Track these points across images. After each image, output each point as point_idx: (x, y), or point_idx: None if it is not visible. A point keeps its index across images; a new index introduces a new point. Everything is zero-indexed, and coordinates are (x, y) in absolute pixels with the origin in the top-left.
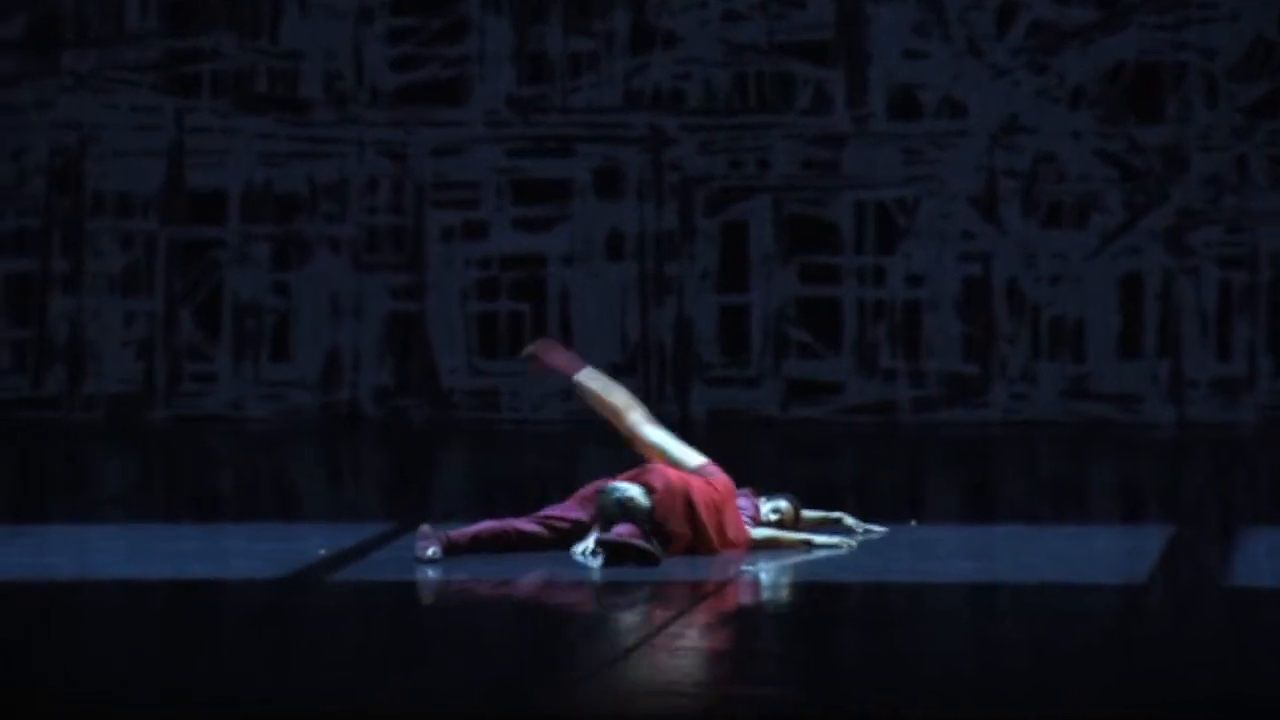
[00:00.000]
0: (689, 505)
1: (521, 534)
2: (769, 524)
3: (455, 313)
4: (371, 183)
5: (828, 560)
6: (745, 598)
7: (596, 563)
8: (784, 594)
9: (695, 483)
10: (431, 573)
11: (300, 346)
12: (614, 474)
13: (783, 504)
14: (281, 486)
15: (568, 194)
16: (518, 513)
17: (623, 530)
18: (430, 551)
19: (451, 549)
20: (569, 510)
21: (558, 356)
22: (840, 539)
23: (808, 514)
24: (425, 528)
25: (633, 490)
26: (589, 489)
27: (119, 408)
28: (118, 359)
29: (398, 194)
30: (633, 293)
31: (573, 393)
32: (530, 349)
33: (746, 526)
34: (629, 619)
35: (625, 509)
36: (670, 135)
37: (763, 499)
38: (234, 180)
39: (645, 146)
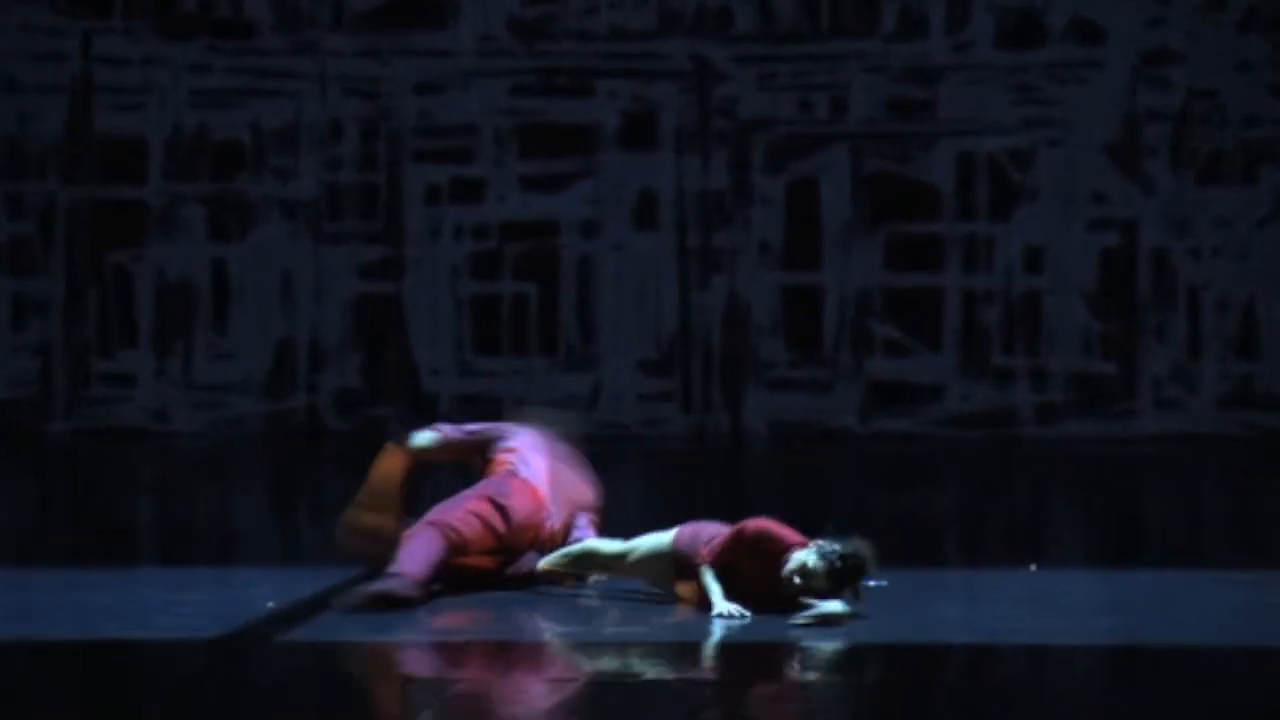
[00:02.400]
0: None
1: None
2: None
3: (442, 296)
4: (335, 128)
5: (923, 616)
6: (821, 663)
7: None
8: (870, 658)
9: None
10: (412, 631)
11: (243, 339)
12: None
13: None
14: (218, 520)
15: (587, 144)
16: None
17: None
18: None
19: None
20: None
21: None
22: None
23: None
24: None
25: None
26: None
27: (7, 418)
28: (5, 356)
29: (368, 143)
30: (670, 270)
31: (597, 400)
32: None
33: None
34: (673, 688)
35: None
36: (719, 68)
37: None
38: (156, 126)
39: (686, 83)
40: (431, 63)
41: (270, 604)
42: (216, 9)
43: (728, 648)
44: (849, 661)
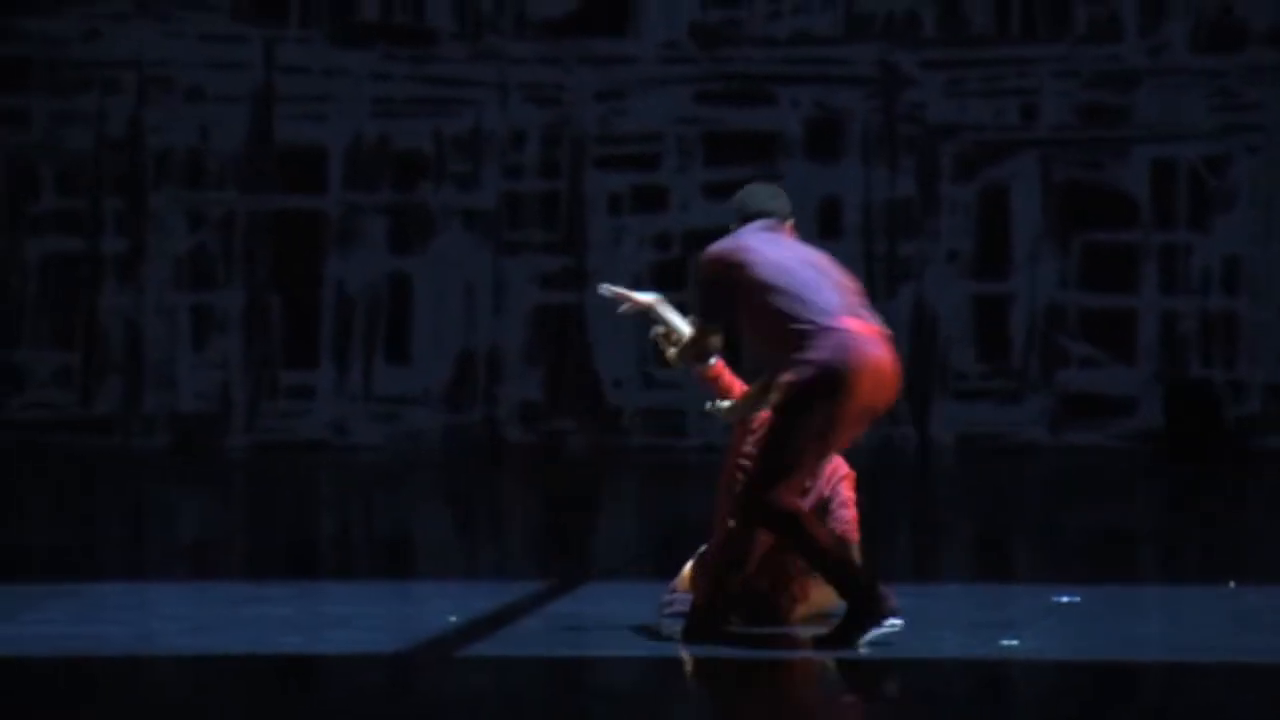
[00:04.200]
0: None
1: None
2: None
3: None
4: (516, 137)
5: (1121, 634)
6: (994, 677)
7: None
8: (1069, 676)
9: None
10: (597, 646)
11: (423, 351)
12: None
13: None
14: (398, 533)
15: (770, 151)
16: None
17: None
18: None
19: None
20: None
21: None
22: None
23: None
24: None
25: None
26: None
27: (189, 432)
28: (187, 369)
29: (550, 151)
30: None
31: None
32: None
33: None
34: (864, 708)
35: None
36: (906, 74)
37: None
38: (336, 135)
39: (873, 89)
40: (614, 69)
41: (452, 618)
42: (395, 16)
43: (913, 663)
44: (1049, 679)
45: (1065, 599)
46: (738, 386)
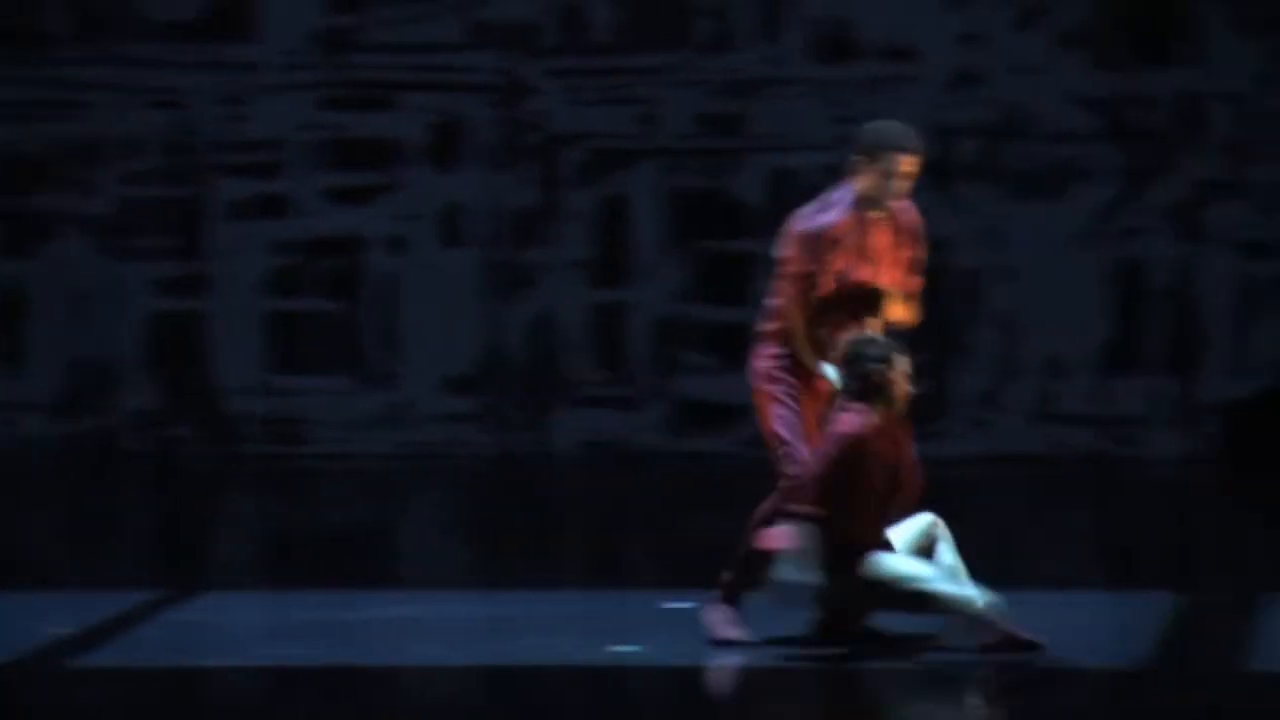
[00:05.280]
0: None
1: None
2: None
3: (244, 314)
4: (133, 143)
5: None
6: (607, 683)
7: None
8: (662, 680)
9: None
10: (224, 656)
11: (34, 357)
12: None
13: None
14: (5, 544)
15: (392, 158)
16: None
17: None
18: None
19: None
20: None
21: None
22: None
23: None
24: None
25: None
26: None
27: None
28: None
29: (171, 157)
30: (477, 287)
31: (401, 420)
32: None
33: None
34: None
35: None
36: (528, 82)
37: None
38: None
39: (495, 97)
40: (235, 76)
41: (65, 630)
42: (9, 18)
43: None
44: (661, 684)
45: (676, 605)
46: None
